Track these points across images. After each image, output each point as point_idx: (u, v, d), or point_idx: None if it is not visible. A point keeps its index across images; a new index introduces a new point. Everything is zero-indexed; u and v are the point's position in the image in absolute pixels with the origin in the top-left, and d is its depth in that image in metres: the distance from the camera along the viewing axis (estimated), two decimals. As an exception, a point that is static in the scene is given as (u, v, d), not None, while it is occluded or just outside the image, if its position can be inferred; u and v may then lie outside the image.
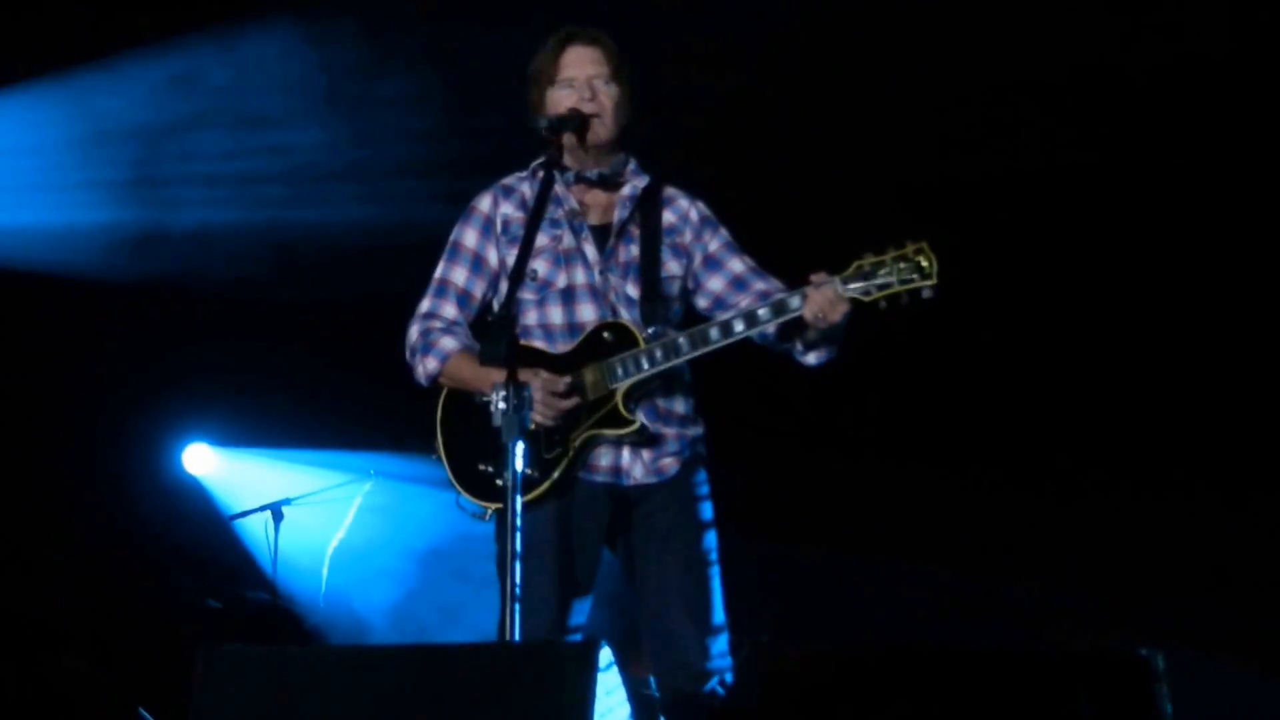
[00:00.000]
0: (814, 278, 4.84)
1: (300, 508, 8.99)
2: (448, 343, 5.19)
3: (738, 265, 5.21)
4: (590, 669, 3.96)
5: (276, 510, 8.83)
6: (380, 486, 9.18)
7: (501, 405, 4.53)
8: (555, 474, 4.99)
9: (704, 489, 5.20)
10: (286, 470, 9.59)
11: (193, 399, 9.64)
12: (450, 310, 5.24)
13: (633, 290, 5.14)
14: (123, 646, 8.50)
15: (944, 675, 4.12)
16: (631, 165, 5.27)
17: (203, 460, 9.86)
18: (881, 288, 4.72)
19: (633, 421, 5.00)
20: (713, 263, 5.23)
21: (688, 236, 5.24)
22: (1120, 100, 7.53)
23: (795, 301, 4.85)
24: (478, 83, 8.22)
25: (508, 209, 5.23)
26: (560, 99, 5.15)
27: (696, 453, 5.20)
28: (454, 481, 5.15)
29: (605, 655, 4.06)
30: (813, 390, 6.06)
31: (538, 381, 4.90)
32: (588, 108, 5.12)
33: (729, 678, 4.99)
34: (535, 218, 4.96)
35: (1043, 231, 7.79)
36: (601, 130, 5.14)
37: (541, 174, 5.12)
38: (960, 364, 8.02)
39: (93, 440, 9.34)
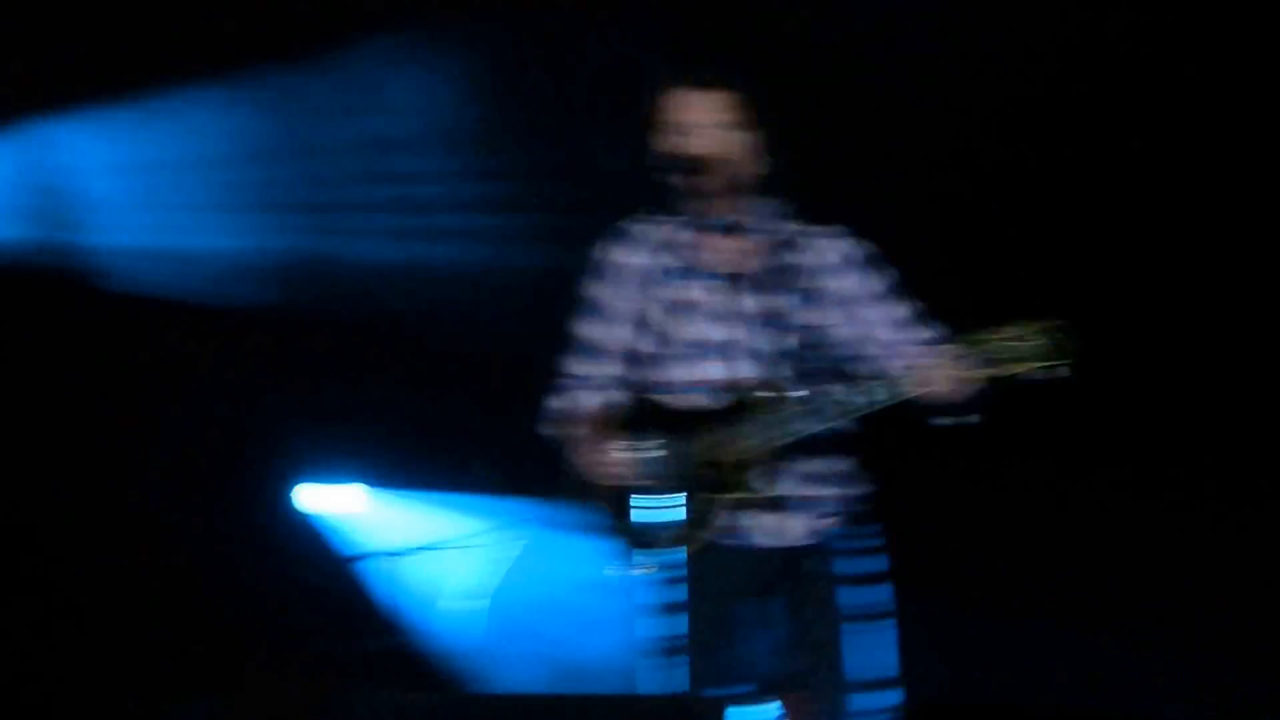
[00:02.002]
0: (940, 351, 4.77)
1: (447, 552, 8.97)
2: (567, 402, 5.18)
3: (900, 310, 5.08)
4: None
5: (419, 554, 8.86)
6: (530, 533, 9.03)
7: (651, 455, 4.58)
8: (698, 535, 4.85)
9: (874, 544, 5.12)
10: (433, 514, 9.49)
11: (343, 437, 9.53)
12: (584, 368, 5.21)
13: (767, 344, 5.03)
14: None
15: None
16: (770, 209, 5.15)
17: (355, 500, 9.70)
18: (1017, 362, 4.63)
19: (762, 489, 4.90)
20: (874, 305, 5.11)
21: (845, 281, 5.11)
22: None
23: (905, 386, 4.76)
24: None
25: (636, 258, 5.16)
26: (677, 145, 5.05)
27: (859, 510, 5.13)
28: (616, 532, 5.04)
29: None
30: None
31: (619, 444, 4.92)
32: (703, 154, 5.01)
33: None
34: (654, 268, 5.00)
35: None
36: (719, 177, 5.02)
37: (668, 221, 5.11)
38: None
39: (217, 478, 9.26)
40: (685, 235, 5.11)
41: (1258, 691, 7.42)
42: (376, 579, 9.28)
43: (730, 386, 4.97)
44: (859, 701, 4.92)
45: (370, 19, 8.43)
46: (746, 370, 4.98)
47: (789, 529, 5.00)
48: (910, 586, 5.21)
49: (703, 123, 5.03)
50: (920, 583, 6.60)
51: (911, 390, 4.70)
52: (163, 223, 8.95)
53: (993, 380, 4.64)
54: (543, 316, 8.68)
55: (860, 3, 7.59)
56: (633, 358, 5.15)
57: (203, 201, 8.92)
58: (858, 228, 5.18)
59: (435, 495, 9.54)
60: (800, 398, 4.86)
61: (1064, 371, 4.56)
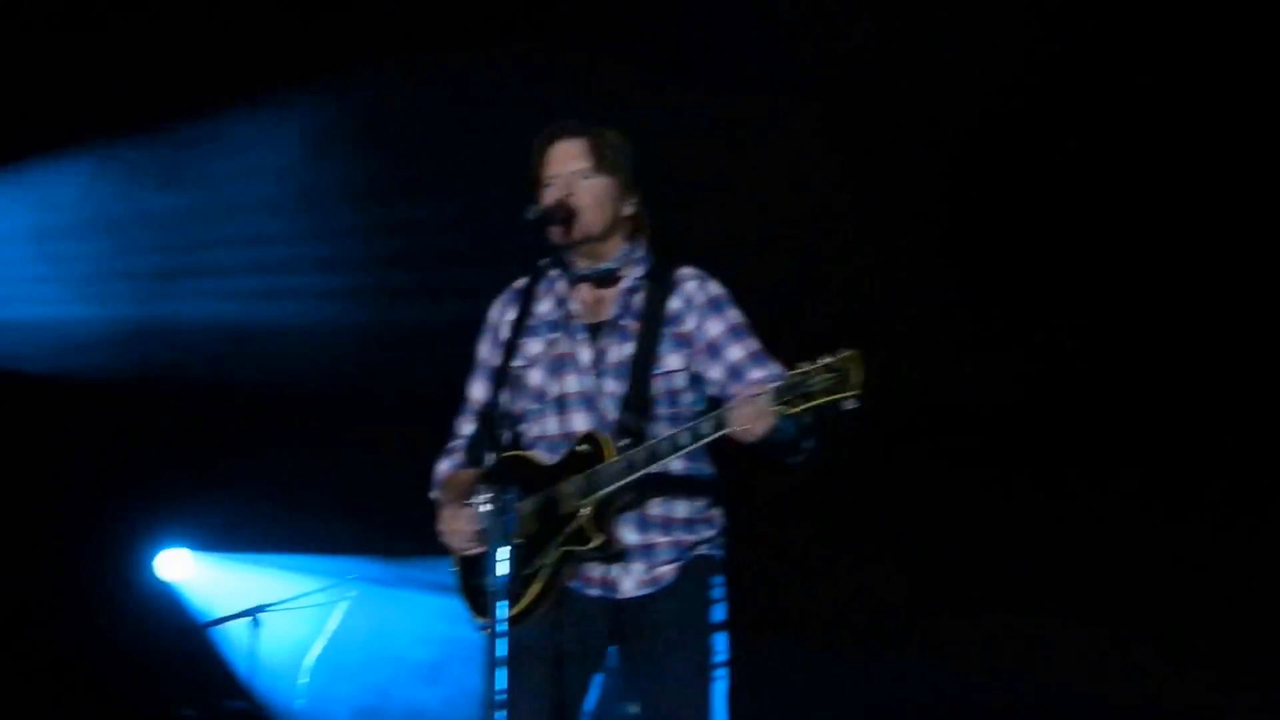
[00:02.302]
0: (743, 390, 4.67)
1: (281, 614, 8.79)
2: (442, 466, 5.18)
3: (736, 352, 4.96)
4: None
5: (255, 617, 8.65)
6: (363, 592, 9.03)
7: (486, 508, 4.40)
8: (531, 590, 4.84)
9: (712, 592, 5.03)
10: (266, 576, 9.44)
11: (169, 503, 9.52)
12: (467, 427, 5.17)
13: (619, 392, 4.97)
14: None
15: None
16: (638, 254, 5.11)
17: (179, 565, 9.72)
18: (805, 398, 4.48)
19: (595, 539, 4.83)
20: (714, 350, 4.99)
21: (690, 324, 5.02)
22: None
23: (706, 427, 4.68)
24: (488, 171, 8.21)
25: (512, 314, 5.04)
26: (546, 197, 5.00)
27: (701, 556, 5.03)
28: (459, 592, 5.06)
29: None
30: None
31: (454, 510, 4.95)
32: (569, 203, 4.96)
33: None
34: (520, 322, 4.86)
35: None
36: (585, 225, 4.97)
37: (543, 274, 5.06)
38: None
39: (65, 546, 9.25)
40: (557, 287, 5.08)
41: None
42: (226, 643, 9.20)
43: (574, 437, 4.93)
44: None
45: (221, 87, 8.48)
46: (598, 420, 4.94)
47: (625, 579, 4.94)
48: (756, 631, 5.19)
49: (559, 173, 5.00)
50: (765, 627, 6.68)
51: (727, 428, 4.61)
52: (7, 294, 8.95)
53: (792, 417, 4.52)
54: (379, 373, 8.88)
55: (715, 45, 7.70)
56: (506, 415, 5.07)
57: (46, 273, 8.90)
58: (715, 269, 5.13)
59: (263, 557, 9.53)
60: (633, 443, 4.81)
61: (851, 404, 4.45)
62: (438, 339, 8.01)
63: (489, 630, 4.57)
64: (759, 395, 4.55)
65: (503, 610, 4.31)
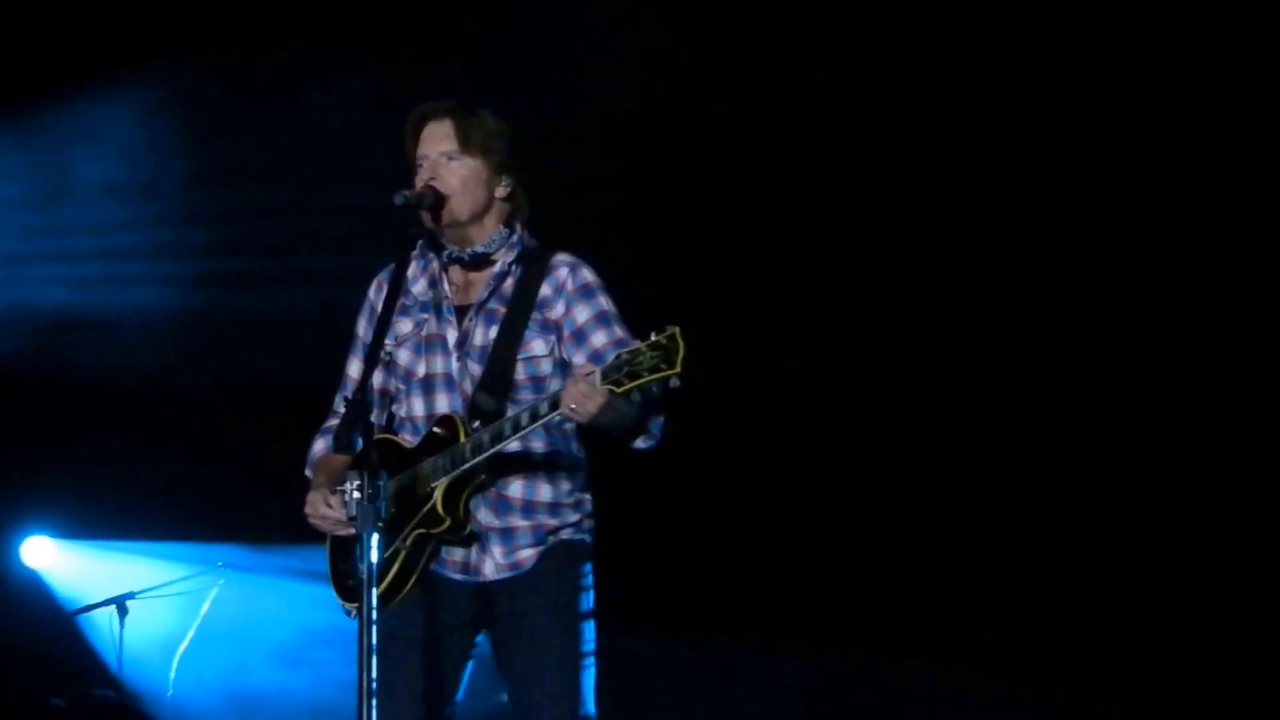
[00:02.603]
0: (578, 370, 4.67)
1: (147, 601, 8.81)
2: (317, 446, 5.19)
3: (600, 339, 4.92)
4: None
5: (122, 604, 8.66)
6: (231, 580, 9.02)
7: (355, 495, 4.35)
8: (391, 573, 4.82)
9: (579, 579, 5.03)
10: (132, 563, 9.37)
11: (31, 490, 9.45)
12: (344, 405, 5.11)
13: (488, 375, 4.95)
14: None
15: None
16: (513, 238, 5.07)
17: (43, 553, 9.62)
18: (631, 377, 4.48)
19: (445, 520, 4.83)
20: (579, 337, 4.96)
21: (559, 310, 4.99)
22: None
23: (543, 408, 4.68)
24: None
25: (386, 293, 4.93)
26: (418, 180, 4.97)
27: (564, 541, 5.02)
28: (330, 578, 5.07)
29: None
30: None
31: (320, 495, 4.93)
32: (438, 186, 4.93)
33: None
34: (390, 302, 4.79)
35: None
36: (452, 210, 4.94)
37: (419, 256, 5.06)
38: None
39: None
40: (431, 267, 5.07)
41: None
42: (94, 631, 9.13)
43: (435, 420, 4.93)
44: None
45: (60, 73, 8.41)
46: (461, 402, 4.93)
47: (486, 563, 4.95)
48: (629, 619, 5.26)
49: (428, 155, 4.97)
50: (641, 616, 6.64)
51: (561, 407, 4.60)
52: None
53: (622, 396, 4.52)
54: (238, 360, 8.84)
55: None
56: (383, 393, 5.09)
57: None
58: (590, 254, 5.12)
59: (128, 544, 9.47)
60: (474, 437, 4.81)
61: (675, 383, 4.46)
62: (294, 325, 8.02)
63: (353, 615, 4.65)
64: (589, 375, 4.55)
65: (373, 598, 4.30)
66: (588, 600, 5.04)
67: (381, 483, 4.36)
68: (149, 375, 8.92)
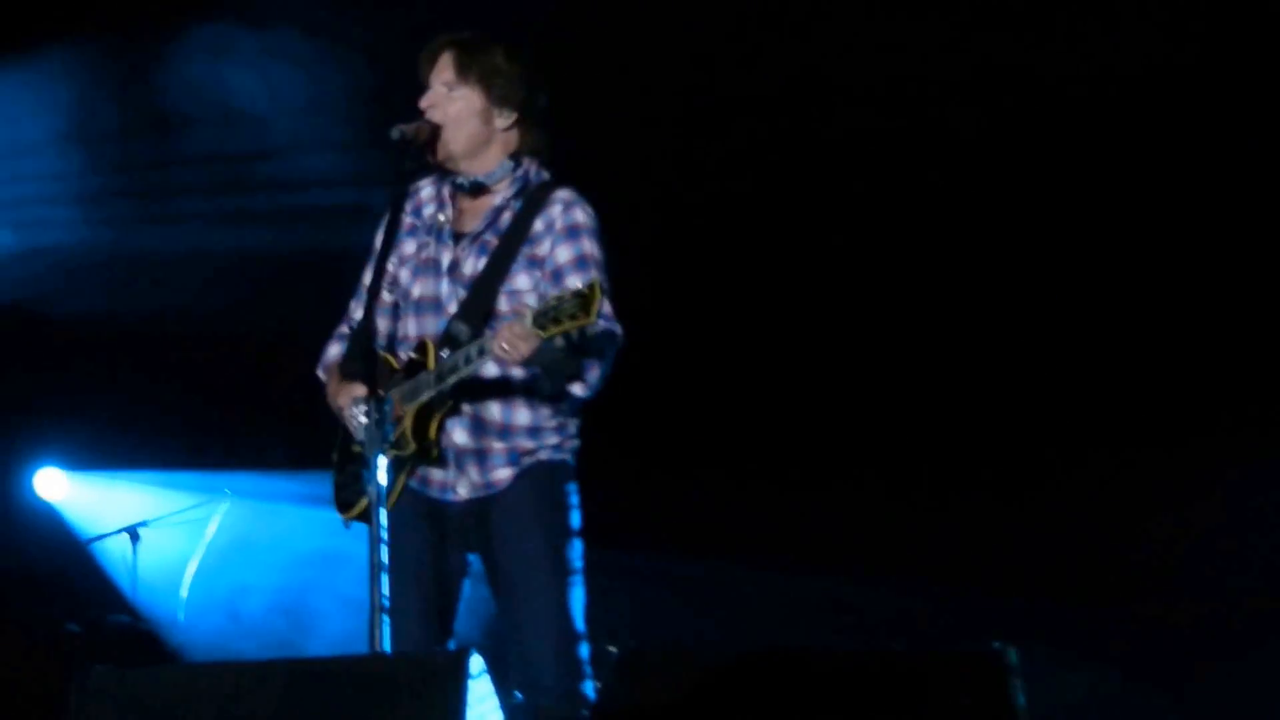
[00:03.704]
0: (515, 308, 4.77)
1: (158, 529, 8.95)
2: (331, 351, 5.26)
3: (574, 282, 4.79)
4: (461, 678, 3.97)
5: (134, 532, 8.81)
6: (237, 504, 9.17)
7: (363, 419, 4.54)
8: (368, 489, 4.67)
9: (561, 498, 5.06)
10: (143, 492, 9.53)
11: (43, 423, 9.59)
12: (359, 312, 5.18)
13: (471, 303, 5.00)
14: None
15: (806, 677, 4.14)
16: (517, 172, 5.10)
17: (56, 485, 9.79)
18: (555, 322, 4.52)
19: (410, 445, 4.89)
20: (557, 276, 4.96)
21: (545, 246, 4.99)
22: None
23: (475, 349, 4.76)
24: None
25: (397, 213, 5.01)
26: (420, 108, 5.05)
27: (541, 461, 5.05)
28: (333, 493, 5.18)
29: (476, 663, 4.06)
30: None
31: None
32: (434, 117, 5.00)
33: (590, 689, 4.93)
34: (393, 223, 4.88)
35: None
36: (447, 139, 5.01)
37: (431, 180, 5.13)
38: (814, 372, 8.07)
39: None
40: (443, 191, 5.12)
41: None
42: (107, 559, 9.29)
43: (419, 343, 4.99)
44: (548, 663, 4.92)
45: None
46: (444, 327, 4.96)
47: (460, 483, 5.01)
48: (617, 537, 5.35)
49: (430, 84, 5.03)
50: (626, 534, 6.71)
51: (495, 350, 4.64)
52: None
53: (549, 340, 4.54)
54: (242, 298, 8.94)
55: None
56: (393, 308, 5.15)
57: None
58: (597, 193, 5.10)
59: (139, 473, 9.63)
60: (440, 365, 4.85)
61: (594, 329, 4.55)
62: (293, 264, 8.08)
63: (347, 525, 4.96)
64: (520, 318, 4.59)
65: (383, 516, 4.46)
66: (572, 519, 5.06)
67: (388, 407, 4.52)
68: (156, 313, 9.01)
